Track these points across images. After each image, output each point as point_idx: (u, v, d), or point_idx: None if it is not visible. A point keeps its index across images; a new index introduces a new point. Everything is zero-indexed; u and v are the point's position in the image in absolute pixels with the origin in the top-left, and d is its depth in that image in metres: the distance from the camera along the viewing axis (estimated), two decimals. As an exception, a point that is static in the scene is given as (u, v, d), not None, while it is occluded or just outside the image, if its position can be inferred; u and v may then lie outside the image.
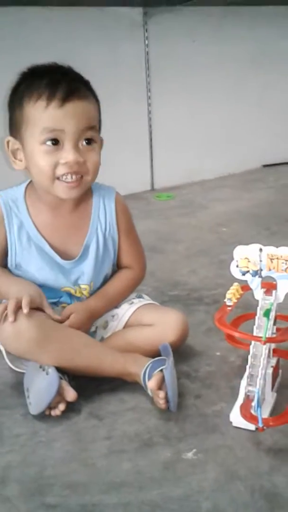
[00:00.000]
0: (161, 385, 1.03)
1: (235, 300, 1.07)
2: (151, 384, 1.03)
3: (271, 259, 1.02)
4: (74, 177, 1.08)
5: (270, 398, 1.05)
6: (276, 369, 1.07)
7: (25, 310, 1.04)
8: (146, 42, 2.66)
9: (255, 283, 1.05)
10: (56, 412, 1.04)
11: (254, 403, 0.95)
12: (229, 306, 1.06)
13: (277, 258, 1.02)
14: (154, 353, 1.15)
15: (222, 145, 3.04)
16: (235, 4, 2.81)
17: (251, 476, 0.88)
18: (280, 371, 1.12)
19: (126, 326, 1.23)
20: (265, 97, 3.15)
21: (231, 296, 1.06)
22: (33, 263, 1.16)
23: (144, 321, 1.21)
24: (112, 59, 2.53)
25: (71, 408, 1.06)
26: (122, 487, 0.87)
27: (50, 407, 1.04)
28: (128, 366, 1.10)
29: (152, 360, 1.09)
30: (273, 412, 1.02)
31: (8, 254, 1.17)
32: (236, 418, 0.99)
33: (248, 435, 0.98)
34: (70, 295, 1.21)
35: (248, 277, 1.05)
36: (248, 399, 0.98)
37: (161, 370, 1.05)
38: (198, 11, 2.73)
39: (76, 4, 2.38)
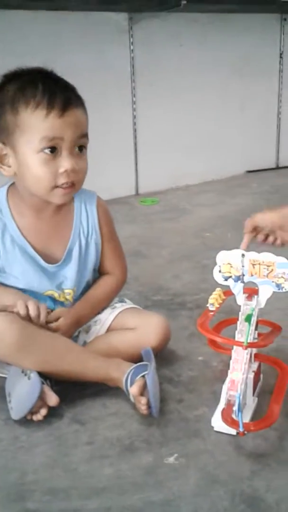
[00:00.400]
0: (143, 391, 1.03)
1: (218, 305, 1.08)
2: (133, 390, 1.03)
3: (253, 265, 1.03)
4: (69, 183, 1.09)
5: (251, 403, 1.05)
6: (257, 374, 1.08)
7: (43, 318, 1.10)
8: (132, 47, 2.67)
9: (237, 288, 1.05)
10: (38, 417, 1.04)
11: (235, 408, 0.95)
12: (212, 311, 1.07)
13: (259, 264, 1.03)
14: (137, 357, 1.15)
15: (207, 151, 3.06)
16: (221, 11, 2.84)
17: (232, 481, 0.89)
18: (261, 376, 1.13)
19: (109, 330, 1.23)
20: (249, 103, 3.18)
21: (214, 301, 1.07)
22: (17, 266, 1.16)
23: (127, 325, 1.21)
24: (98, 64, 2.54)
25: (53, 413, 1.05)
26: (104, 492, 0.87)
27: (32, 411, 1.04)
28: (111, 372, 1.10)
29: (134, 365, 1.09)
30: (254, 417, 1.03)
31: None
32: (217, 422, 1.00)
33: (229, 439, 0.98)
34: (53, 300, 1.21)
35: (230, 282, 1.06)
36: (229, 403, 0.99)
37: (143, 376, 1.05)
38: (184, 17, 2.75)
39: (62, 8, 2.38)
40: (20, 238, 1.15)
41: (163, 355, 1.24)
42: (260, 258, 1.02)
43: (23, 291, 1.16)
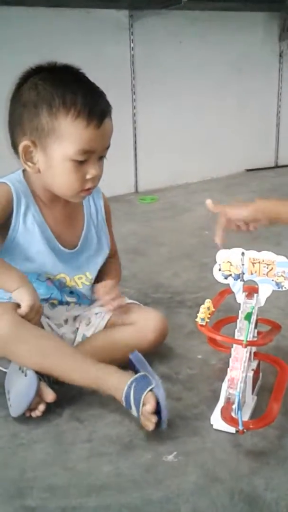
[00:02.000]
0: (155, 408, 0.97)
1: (207, 320, 1.03)
2: (148, 409, 0.97)
3: (253, 263, 1.03)
4: (93, 187, 1.13)
5: (251, 401, 1.05)
6: (256, 372, 1.08)
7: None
8: (132, 44, 2.66)
9: (237, 287, 1.05)
10: (36, 413, 1.04)
11: (234, 406, 0.95)
12: (203, 325, 1.03)
13: (259, 262, 1.03)
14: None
15: (206, 149, 3.06)
16: (221, 9, 2.83)
17: (230, 479, 0.89)
18: (261, 374, 1.13)
19: (108, 324, 1.23)
20: (249, 101, 3.18)
21: (204, 315, 1.02)
22: (34, 246, 1.16)
23: (125, 320, 1.21)
24: (98, 61, 2.53)
25: (53, 410, 1.05)
26: (103, 490, 0.87)
27: (30, 408, 1.04)
28: (102, 380, 1.04)
29: (133, 377, 1.02)
30: (253, 415, 1.03)
31: (8, 232, 1.14)
32: (216, 421, 1.00)
33: (228, 437, 0.98)
34: (60, 290, 1.21)
35: (230, 280, 1.06)
36: (228, 402, 0.99)
37: (151, 390, 0.98)
38: (184, 15, 2.74)
39: (62, 5, 2.37)
40: (42, 220, 1.16)
41: (162, 352, 1.24)
42: (260, 257, 1.02)
43: (34, 278, 1.16)
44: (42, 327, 1.15)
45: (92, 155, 1.07)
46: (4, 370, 1.13)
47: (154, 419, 0.97)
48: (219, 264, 1.05)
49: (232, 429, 0.97)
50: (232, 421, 0.94)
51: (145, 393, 0.98)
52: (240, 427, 0.92)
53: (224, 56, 3.00)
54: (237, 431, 0.94)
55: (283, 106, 3.34)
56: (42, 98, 1.05)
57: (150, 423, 0.98)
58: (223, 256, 1.05)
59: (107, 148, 1.11)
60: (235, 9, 2.87)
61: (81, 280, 1.23)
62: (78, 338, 1.23)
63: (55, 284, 1.20)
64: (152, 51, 2.74)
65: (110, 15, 2.57)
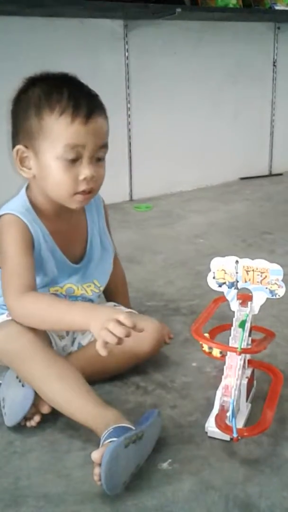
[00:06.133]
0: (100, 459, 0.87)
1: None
2: (94, 456, 0.88)
3: (247, 271, 1.04)
4: (88, 190, 1.09)
5: (245, 408, 1.06)
6: (251, 380, 1.09)
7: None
8: (127, 54, 2.68)
9: (231, 295, 1.06)
10: (31, 423, 1.04)
11: (229, 414, 0.96)
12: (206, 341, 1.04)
13: (253, 270, 1.03)
14: (131, 361, 1.17)
15: (201, 157, 3.08)
16: (215, 19, 2.86)
17: (225, 486, 0.89)
18: (255, 382, 1.14)
19: None
20: (243, 110, 3.20)
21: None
22: (48, 267, 1.15)
23: None
24: (92, 71, 2.55)
25: (47, 419, 1.05)
26: (97, 497, 0.87)
27: (26, 417, 1.04)
28: (95, 424, 0.97)
29: (117, 425, 0.94)
30: (247, 423, 1.03)
31: None
32: (211, 428, 1.00)
33: (223, 445, 0.99)
34: (69, 298, 1.19)
35: (224, 288, 1.06)
36: (223, 409, 0.99)
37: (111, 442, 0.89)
38: (179, 25, 2.77)
39: (57, 15, 2.39)
40: (52, 242, 1.15)
41: (156, 360, 1.24)
42: (254, 265, 1.02)
43: (44, 284, 1.16)
44: (48, 338, 1.15)
45: (83, 153, 1.05)
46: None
47: (96, 470, 0.87)
48: (213, 272, 1.06)
49: (226, 437, 0.98)
50: (226, 428, 0.95)
51: (105, 442, 0.91)
52: (235, 435, 0.92)
53: (218, 65, 3.02)
54: (231, 439, 0.95)
55: (277, 114, 3.36)
56: (31, 102, 1.06)
57: (93, 475, 0.89)
58: (217, 264, 1.05)
59: (102, 147, 1.08)
60: (229, 19, 2.90)
61: (90, 288, 1.22)
62: (74, 347, 1.23)
63: (63, 295, 1.19)
64: (147, 60, 2.76)
65: (105, 25, 2.59)
